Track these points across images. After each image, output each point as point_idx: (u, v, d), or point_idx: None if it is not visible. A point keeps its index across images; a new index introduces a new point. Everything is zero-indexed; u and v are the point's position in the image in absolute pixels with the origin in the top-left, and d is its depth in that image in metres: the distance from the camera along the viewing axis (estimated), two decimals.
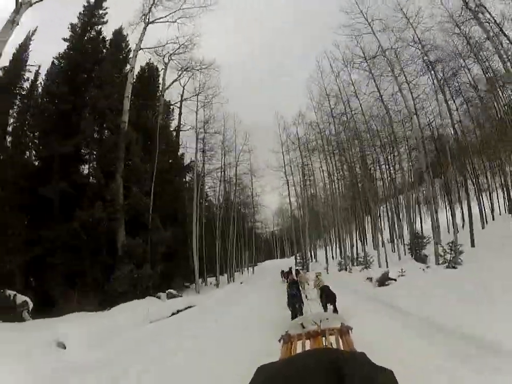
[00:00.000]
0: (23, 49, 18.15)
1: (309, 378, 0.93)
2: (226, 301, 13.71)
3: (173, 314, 10.98)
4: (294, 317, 6.98)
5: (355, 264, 21.17)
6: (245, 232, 33.76)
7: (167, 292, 14.42)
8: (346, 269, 20.08)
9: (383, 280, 11.82)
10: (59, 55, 18.75)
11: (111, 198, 15.44)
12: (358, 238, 27.83)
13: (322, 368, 0.96)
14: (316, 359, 1.05)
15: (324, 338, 2.91)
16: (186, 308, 11.93)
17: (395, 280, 11.51)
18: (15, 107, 17.57)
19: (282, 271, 19.91)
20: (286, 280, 14.61)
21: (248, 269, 32.90)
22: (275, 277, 22.54)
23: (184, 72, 26.07)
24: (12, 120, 17.18)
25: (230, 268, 25.12)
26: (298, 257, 30.59)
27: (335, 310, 7.63)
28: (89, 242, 14.89)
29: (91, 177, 16.63)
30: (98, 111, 17.29)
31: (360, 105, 21.57)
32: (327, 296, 8.02)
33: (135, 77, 21.52)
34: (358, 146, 23.97)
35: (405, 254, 19.38)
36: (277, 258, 47.31)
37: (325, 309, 7.88)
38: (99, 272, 14.61)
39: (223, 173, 27.32)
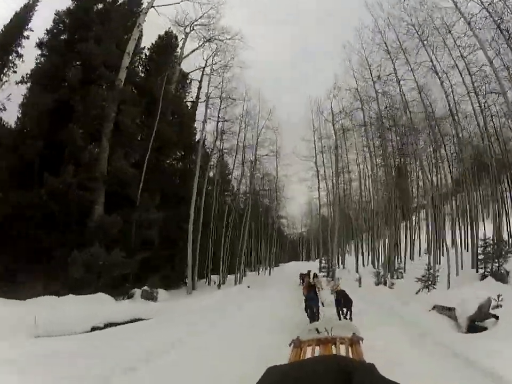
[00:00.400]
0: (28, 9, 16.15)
1: (318, 382, 0.91)
2: (209, 312, 9.53)
3: (93, 329, 7.36)
4: (311, 321, 6.90)
5: (396, 276, 16.67)
6: (266, 228, 29.83)
7: (142, 289, 11.08)
8: (385, 283, 15.39)
9: (479, 318, 6.22)
10: (62, 11, 16.63)
11: (89, 162, 12.54)
12: (395, 245, 22.69)
13: (332, 374, 0.93)
14: (325, 365, 1.04)
15: (333, 346, 2.85)
16: (123, 323, 7.96)
17: (496, 318, 6.14)
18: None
19: (301, 274, 18.03)
20: (302, 283, 13.82)
21: (266, 269, 28.81)
22: (293, 282, 19.08)
23: (207, 44, 23.09)
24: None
25: (239, 266, 21.25)
26: (323, 261, 26.08)
27: (350, 317, 7.60)
28: (60, 214, 12.16)
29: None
30: (92, 66, 14.65)
31: (413, 73, 16.75)
32: (345, 302, 7.87)
33: (143, 37, 19.04)
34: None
35: (462, 268, 14.43)
36: (302, 260, 43.12)
37: (339, 315, 7.78)
38: (69, 251, 11.71)
39: (241, 152, 23.18)
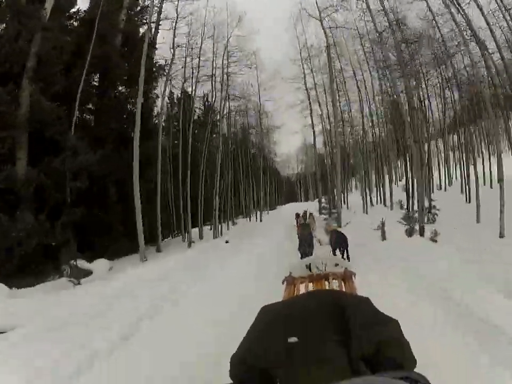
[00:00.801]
0: None
1: (311, 318, 0.92)
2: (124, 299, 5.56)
3: None
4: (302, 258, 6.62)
5: (427, 220, 11.55)
6: (259, 168, 26.05)
7: (72, 263, 7.75)
8: (422, 232, 10.16)
9: None
10: None
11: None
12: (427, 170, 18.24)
13: (324, 308, 0.96)
14: (318, 300, 1.07)
15: (327, 282, 2.84)
16: None
17: None
18: None
19: (297, 214, 16.43)
20: (297, 224, 13.06)
21: (258, 214, 25.57)
22: (289, 224, 16.52)
23: None
24: None
25: (216, 213, 17.21)
26: (323, 201, 22.84)
27: (347, 256, 7.48)
28: None
29: None
30: None
31: None
32: (338, 240, 7.78)
33: None
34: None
35: None
36: (301, 201, 40.32)
37: (334, 253, 7.55)
38: None
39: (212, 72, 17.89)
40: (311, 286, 2.83)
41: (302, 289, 2.75)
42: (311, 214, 16.15)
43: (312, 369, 0.80)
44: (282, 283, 2.91)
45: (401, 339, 0.93)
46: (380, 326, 0.92)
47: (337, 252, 7.76)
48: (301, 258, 6.74)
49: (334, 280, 2.84)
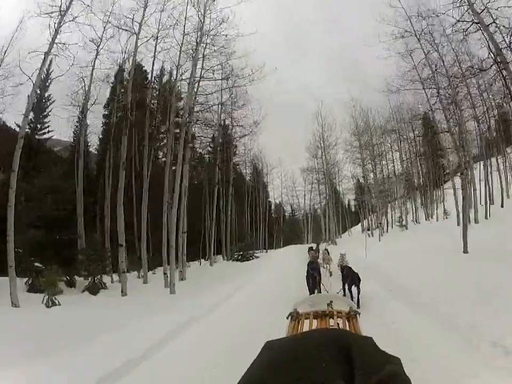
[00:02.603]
0: None
1: (317, 356, 0.91)
2: None
3: None
4: (311, 293, 7.28)
5: None
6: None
7: None
8: None
9: None
10: None
11: None
12: None
13: (330, 347, 0.94)
14: (324, 337, 1.06)
15: (331, 319, 2.84)
16: None
17: None
18: None
19: (311, 247, 15.95)
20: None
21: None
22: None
23: None
24: None
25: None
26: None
27: (358, 297, 7.43)
28: None
29: None
30: None
31: None
32: (349, 277, 7.93)
33: None
34: None
35: None
36: (307, 243, 35.00)
37: (344, 292, 7.77)
38: None
39: None
40: (315, 323, 2.80)
41: (306, 325, 2.73)
42: (327, 250, 15.19)
43: None
44: (287, 318, 2.91)
45: (400, 378, 0.88)
46: (380, 366, 0.86)
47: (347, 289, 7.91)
48: (309, 294, 7.07)
49: (338, 318, 2.81)
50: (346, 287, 7.98)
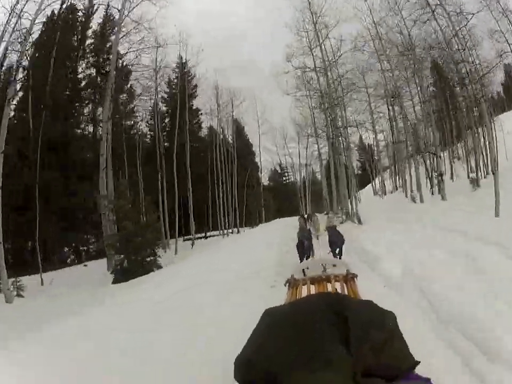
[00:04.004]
0: None
1: (315, 322, 0.94)
2: None
3: None
4: (301, 261, 7.21)
5: None
6: None
7: None
8: None
9: None
10: None
11: None
12: None
13: (328, 313, 0.97)
14: (321, 302, 1.07)
15: (329, 284, 2.87)
16: None
17: None
18: None
19: (302, 215, 13.54)
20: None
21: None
22: None
23: None
24: None
25: None
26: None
27: (340, 253, 7.66)
28: None
29: None
30: None
31: None
32: (332, 238, 8.05)
33: None
34: None
35: None
36: (302, 214, 27.72)
37: (333, 253, 7.77)
38: None
39: None
40: (313, 288, 2.79)
41: (304, 291, 2.73)
42: (311, 215, 15.67)
43: (317, 374, 0.81)
44: (285, 285, 2.93)
45: (396, 340, 0.94)
46: (375, 330, 0.92)
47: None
48: (300, 261, 7.05)
49: (336, 282, 2.82)
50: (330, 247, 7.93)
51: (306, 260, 7.29)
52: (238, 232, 21.82)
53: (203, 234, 21.17)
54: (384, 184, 25.49)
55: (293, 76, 18.33)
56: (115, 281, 11.99)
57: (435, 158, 15.49)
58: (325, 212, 21.34)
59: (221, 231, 21.42)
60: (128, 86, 20.92)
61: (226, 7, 38.23)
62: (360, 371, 0.82)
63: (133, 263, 12.50)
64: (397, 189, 25.44)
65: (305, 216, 15.46)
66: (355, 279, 2.85)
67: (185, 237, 20.24)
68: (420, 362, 0.96)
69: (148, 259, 13.01)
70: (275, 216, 24.93)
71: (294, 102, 20.76)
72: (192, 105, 25.05)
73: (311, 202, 32.62)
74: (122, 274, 12.12)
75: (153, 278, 9.88)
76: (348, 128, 16.89)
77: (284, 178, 33.88)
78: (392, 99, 18.07)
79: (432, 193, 17.74)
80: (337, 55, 16.22)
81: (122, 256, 12.65)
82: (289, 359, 0.86)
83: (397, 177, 25.64)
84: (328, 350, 0.85)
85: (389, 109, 21.13)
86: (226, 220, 21.89)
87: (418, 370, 0.95)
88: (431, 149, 16.12)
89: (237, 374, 0.96)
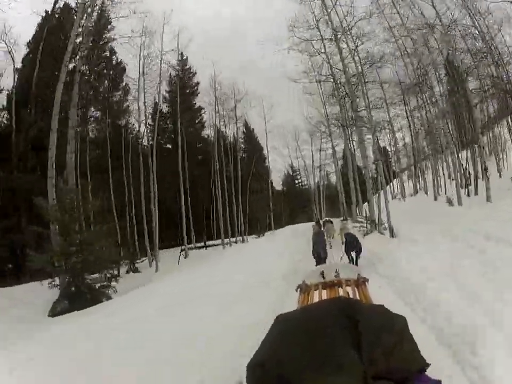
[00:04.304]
0: None
1: (327, 327, 0.94)
2: None
3: None
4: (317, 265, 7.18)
5: None
6: None
7: None
8: None
9: None
10: None
11: None
12: None
13: (340, 318, 0.97)
14: (332, 307, 1.07)
15: (340, 288, 2.83)
16: None
17: None
18: None
19: (318, 221, 14.22)
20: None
21: None
22: None
23: None
24: None
25: None
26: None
27: (357, 260, 7.74)
28: None
29: None
30: None
31: None
32: (350, 244, 8.01)
33: None
34: None
35: None
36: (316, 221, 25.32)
37: (349, 259, 7.83)
38: None
39: None
40: (324, 293, 2.80)
41: (315, 296, 2.73)
42: (327, 221, 14.44)
43: (329, 379, 0.82)
44: (296, 291, 2.93)
45: (406, 343, 0.94)
46: (386, 334, 0.92)
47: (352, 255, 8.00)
48: (316, 265, 7.04)
49: (347, 287, 2.78)
50: (352, 254, 7.93)
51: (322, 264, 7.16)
52: (243, 241, 19.61)
53: (202, 244, 19.21)
54: (403, 186, 22.95)
55: (300, 60, 16.15)
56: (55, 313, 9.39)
57: (477, 150, 12.99)
58: (342, 218, 19.10)
59: (225, 240, 19.27)
60: (123, 84, 19.65)
61: (226, 7, 36.75)
62: (371, 375, 0.81)
63: (78, 289, 9.78)
64: (417, 192, 22.87)
65: (321, 222, 14.81)
66: (366, 283, 2.85)
67: (183, 247, 18.34)
68: (430, 364, 0.93)
69: (100, 284, 10.45)
70: (288, 222, 22.70)
71: (303, 93, 18.52)
72: (195, 103, 23.46)
73: (325, 207, 30.30)
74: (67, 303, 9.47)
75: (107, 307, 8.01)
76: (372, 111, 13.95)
77: (297, 181, 31.67)
78: (416, 86, 15.66)
79: (468, 194, 15.21)
80: (349, 22, 13.17)
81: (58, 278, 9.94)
82: (302, 364, 0.86)
83: (418, 179, 23.11)
84: (339, 355, 0.85)
85: (405, 102, 18.97)
86: (229, 228, 19.78)
87: (429, 372, 0.91)
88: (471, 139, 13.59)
89: (249, 378, 0.95)
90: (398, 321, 0.98)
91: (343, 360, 0.83)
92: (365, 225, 12.94)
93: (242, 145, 27.14)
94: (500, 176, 15.56)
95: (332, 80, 15.03)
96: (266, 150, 24.46)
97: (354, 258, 7.90)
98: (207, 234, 19.74)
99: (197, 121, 23.16)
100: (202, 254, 17.45)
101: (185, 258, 17.00)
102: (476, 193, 14.74)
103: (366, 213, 13.73)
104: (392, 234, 11.19)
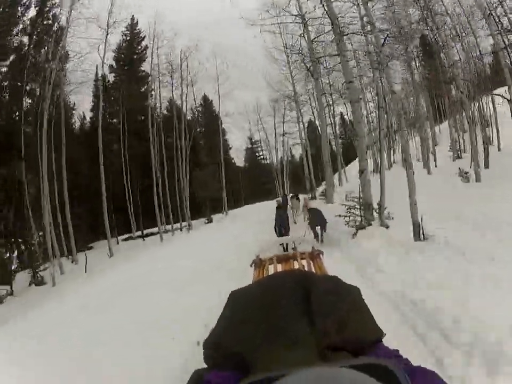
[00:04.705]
0: None
1: (281, 300, 0.93)
2: None
3: None
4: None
5: None
6: None
7: None
8: None
9: None
10: None
11: None
12: None
13: (293, 290, 0.97)
14: (286, 279, 1.09)
15: (295, 262, 2.86)
16: None
17: None
18: None
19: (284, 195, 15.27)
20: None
21: None
22: None
23: None
24: None
25: None
26: None
27: (321, 238, 7.80)
28: None
29: None
30: None
31: None
32: (315, 219, 7.94)
33: None
34: None
35: None
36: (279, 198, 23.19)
37: (315, 235, 7.80)
38: None
39: None
40: (279, 267, 2.79)
41: (270, 270, 2.70)
42: (293, 196, 14.10)
43: (284, 352, 0.78)
44: (251, 266, 2.90)
45: (359, 312, 0.92)
46: (338, 303, 0.88)
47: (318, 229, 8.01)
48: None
49: (302, 260, 2.79)
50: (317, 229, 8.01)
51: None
52: (190, 228, 16.50)
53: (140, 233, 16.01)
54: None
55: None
56: None
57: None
58: (310, 196, 16.35)
59: (166, 227, 16.11)
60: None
61: None
62: (326, 346, 0.78)
63: None
64: (393, 163, 21.27)
65: (288, 197, 14.20)
66: (321, 255, 2.84)
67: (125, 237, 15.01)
68: (385, 334, 0.89)
69: None
70: (248, 201, 19.99)
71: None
72: (143, 71, 19.61)
73: (289, 183, 28.20)
74: None
75: None
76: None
77: (258, 155, 29.05)
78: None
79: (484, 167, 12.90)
80: None
81: None
82: (256, 339, 0.83)
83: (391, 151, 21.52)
84: (294, 328, 0.83)
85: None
86: (171, 212, 16.66)
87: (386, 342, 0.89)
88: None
89: (206, 358, 0.92)
90: (351, 291, 0.95)
91: (298, 333, 0.81)
92: (358, 212, 8.12)
93: (199, 118, 24.16)
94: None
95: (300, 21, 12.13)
96: (220, 122, 21.25)
97: (320, 234, 7.82)
98: (149, 221, 16.57)
99: (143, 89, 19.43)
100: (135, 246, 14.36)
101: (109, 257, 13.75)
102: (487, 166, 12.69)
103: (359, 195, 8.36)
104: (419, 234, 6.63)
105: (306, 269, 2.47)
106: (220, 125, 20.96)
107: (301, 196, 13.55)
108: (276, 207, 8.78)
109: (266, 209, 12.76)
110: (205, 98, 25.93)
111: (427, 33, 15.32)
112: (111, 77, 19.42)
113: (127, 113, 17.60)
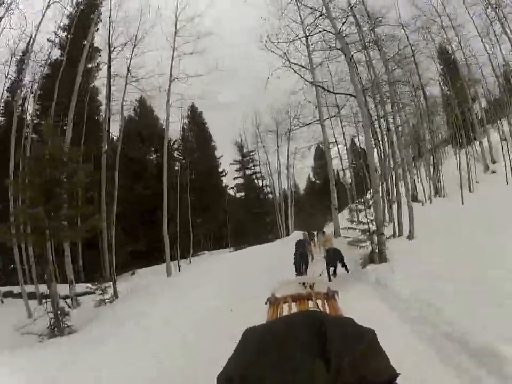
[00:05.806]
0: None
1: (296, 340, 0.91)
2: None
3: None
4: (297, 276, 7.41)
5: None
6: None
7: None
8: None
9: None
10: None
11: None
12: None
13: (307, 328, 0.95)
14: (301, 320, 1.05)
15: (310, 301, 2.83)
16: None
17: None
18: None
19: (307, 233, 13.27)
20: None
21: None
22: None
23: None
24: None
25: None
26: None
27: (334, 273, 7.78)
28: None
29: None
30: None
31: None
32: (331, 257, 7.87)
33: None
34: None
35: None
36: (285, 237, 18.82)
37: (328, 273, 7.75)
38: None
39: None
40: (294, 306, 2.77)
41: (285, 309, 2.69)
42: (314, 234, 14.14)
43: None
44: (266, 303, 2.87)
45: (374, 353, 0.91)
46: (354, 344, 0.87)
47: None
48: (297, 275, 7.38)
49: (317, 300, 2.74)
50: (331, 269, 7.99)
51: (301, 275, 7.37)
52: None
53: None
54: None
55: None
56: None
57: None
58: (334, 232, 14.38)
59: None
60: None
61: None
62: None
63: None
64: (436, 194, 16.57)
65: (315, 233, 13.89)
66: (336, 296, 2.83)
67: None
68: (399, 374, 0.89)
69: None
70: (240, 242, 14.70)
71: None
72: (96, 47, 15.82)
73: (294, 219, 23.63)
74: None
75: None
76: None
77: (249, 171, 25.61)
78: None
79: None
80: None
81: None
82: (270, 376, 0.83)
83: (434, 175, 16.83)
84: (309, 366, 0.81)
85: None
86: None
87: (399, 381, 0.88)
88: None
89: None
90: (366, 332, 0.93)
91: (312, 372, 0.79)
92: (365, 237, 8.49)
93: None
94: None
95: None
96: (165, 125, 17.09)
97: (333, 270, 7.81)
98: None
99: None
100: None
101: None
102: None
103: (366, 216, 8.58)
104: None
105: (321, 309, 2.48)
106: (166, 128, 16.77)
107: (327, 231, 13.20)
108: (296, 243, 8.61)
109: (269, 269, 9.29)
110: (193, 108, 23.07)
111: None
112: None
113: None
